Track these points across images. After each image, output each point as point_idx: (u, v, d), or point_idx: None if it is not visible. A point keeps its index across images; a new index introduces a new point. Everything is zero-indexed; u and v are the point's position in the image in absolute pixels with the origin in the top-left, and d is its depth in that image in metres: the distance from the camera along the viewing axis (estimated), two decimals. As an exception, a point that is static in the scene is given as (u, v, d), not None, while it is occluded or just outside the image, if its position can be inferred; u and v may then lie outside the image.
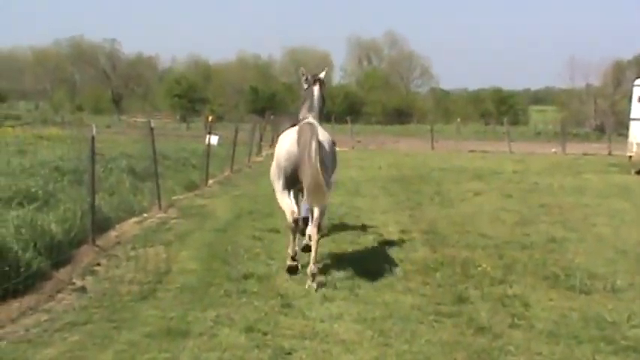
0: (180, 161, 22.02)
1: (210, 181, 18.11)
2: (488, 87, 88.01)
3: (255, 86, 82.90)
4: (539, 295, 7.53)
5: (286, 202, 8.23)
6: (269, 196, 14.88)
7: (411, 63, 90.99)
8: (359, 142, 39.61)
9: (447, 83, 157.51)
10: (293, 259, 8.27)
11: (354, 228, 11.35)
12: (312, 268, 7.85)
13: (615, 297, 7.51)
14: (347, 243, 10.03)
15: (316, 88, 8.94)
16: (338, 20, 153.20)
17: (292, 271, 8.18)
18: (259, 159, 27.69)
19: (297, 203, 8.56)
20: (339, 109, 67.89)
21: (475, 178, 20.12)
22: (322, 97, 8.96)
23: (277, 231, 10.69)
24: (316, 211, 7.96)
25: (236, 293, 7.30)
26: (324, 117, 9.17)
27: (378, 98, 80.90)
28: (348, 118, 44.95)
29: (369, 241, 10.24)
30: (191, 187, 16.67)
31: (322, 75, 9.15)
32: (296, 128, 8.44)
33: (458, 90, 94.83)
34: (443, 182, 18.87)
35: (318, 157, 7.65)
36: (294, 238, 8.31)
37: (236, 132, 22.79)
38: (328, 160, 8.09)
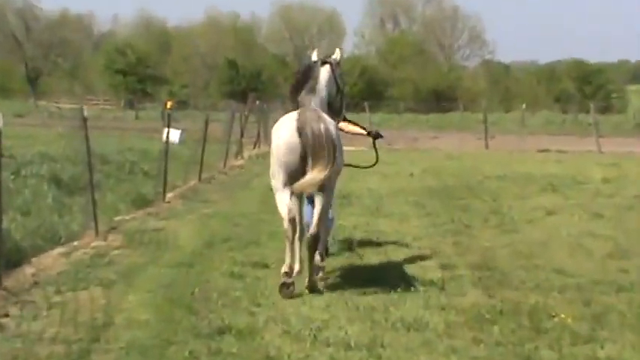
0: (126, 166, 22.12)
1: (170, 195, 18.26)
2: (566, 59, 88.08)
3: (233, 59, 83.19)
4: (644, 358, 7.53)
5: (283, 200, 9.60)
6: (253, 215, 15.46)
7: (455, 25, 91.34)
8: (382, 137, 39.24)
9: (506, 54, 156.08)
10: (288, 274, 9.46)
11: (374, 261, 11.48)
12: (317, 259, 9.78)
13: None
14: (364, 282, 10.06)
15: (324, 70, 10.25)
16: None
17: (286, 288, 9.38)
18: (239, 162, 27.69)
19: (301, 206, 9.95)
20: (354, 91, 68.02)
21: (548, 189, 20.31)
22: (336, 85, 10.36)
23: (265, 265, 10.86)
24: (317, 209, 9.70)
25: (207, 355, 7.32)
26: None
27: (408, 75, 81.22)
28: (366, 104, 44.88)
29: (395, 280, 10.25)
30: (142, 203, 16.84)
31: (336, 56, 10.54)
32: (294, 115, 9.64)
33: (523, 63, 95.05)
34: (501, 196, 19.05)
35: (331, 154, 9.31)
36: (292, 248, 9.55)
37: (206, 124, 22.90)
38: (339, 153, 9.63)
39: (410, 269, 11.02)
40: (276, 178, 9.67)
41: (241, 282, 10.03)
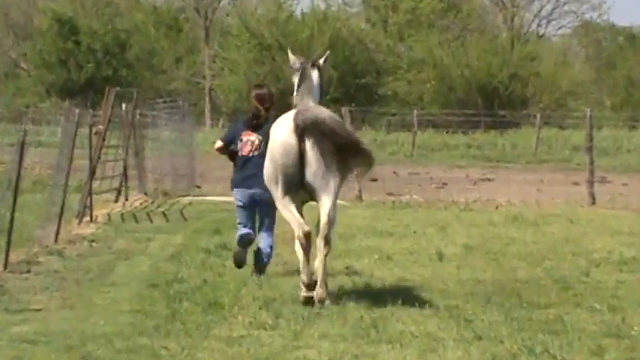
0: None
1: None
2: None
3: (67, 17, 55.72)
4: None
5: (290, 215, 10.69)
6: (121, 339, 10.59)
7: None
8: (375, 180, 27.71)
9: (626, 10, 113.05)
10: (309, 287, 10.61)
11: None
12: (319, 292, 10.57)
13: None
14: None
15: (315, 73, 11.21)
16: None
17: (308, 302, 10.60)
18: (87, 229, 19.63)
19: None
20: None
21: None
22: (322, 87, 11.48)
23: None
24: (323, 217, 10.61)
25: None
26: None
27: (428, 54, 55.42)
28: (345, 111, 27.68)
29: None
30: None
31: (322, 61, 11.51)
32: (290, 113, 10.68)
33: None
34: (628, 301, 13.46)
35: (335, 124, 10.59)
36: (308, 259, 10.64)
37: (21, 151, 15.58)
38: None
39: None
40: (274, 185, 10.68)
41: None
